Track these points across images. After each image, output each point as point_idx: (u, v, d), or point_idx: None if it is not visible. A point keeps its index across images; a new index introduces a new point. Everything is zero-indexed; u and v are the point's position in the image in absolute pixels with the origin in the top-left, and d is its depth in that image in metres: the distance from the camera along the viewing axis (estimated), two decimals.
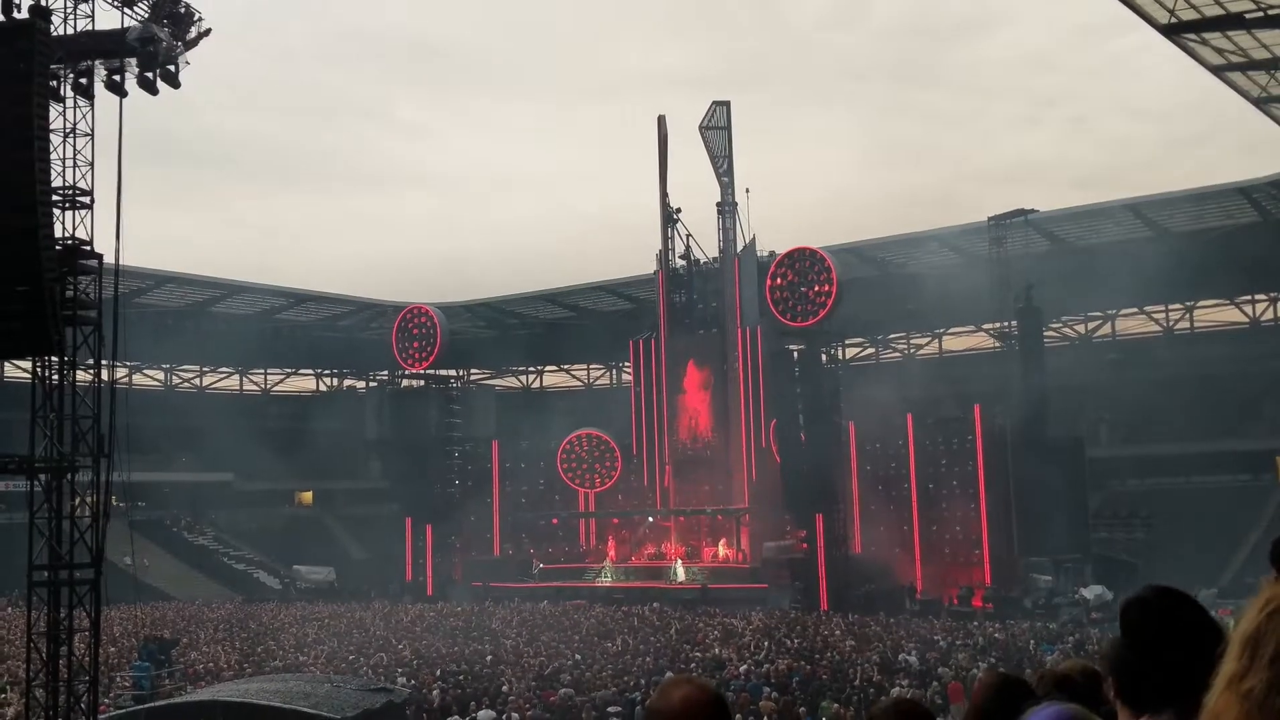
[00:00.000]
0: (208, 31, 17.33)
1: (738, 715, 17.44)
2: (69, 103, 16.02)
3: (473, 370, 77.40)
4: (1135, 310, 60.28)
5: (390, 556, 55.81)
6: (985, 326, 60.95)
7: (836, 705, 18.64)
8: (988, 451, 45.87)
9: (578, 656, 26.91)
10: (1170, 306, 59.32)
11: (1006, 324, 50.50)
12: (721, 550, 49.37)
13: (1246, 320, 58.37)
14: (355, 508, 66.86)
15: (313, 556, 60.33)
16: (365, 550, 63.39)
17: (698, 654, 27.30)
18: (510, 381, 79.38)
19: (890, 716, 3.28)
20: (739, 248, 52.14)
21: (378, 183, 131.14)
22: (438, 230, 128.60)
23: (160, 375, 73.16)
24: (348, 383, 78.63)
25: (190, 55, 17.19)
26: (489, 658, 27.35)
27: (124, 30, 16.56)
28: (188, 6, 17.19)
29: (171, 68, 17.08)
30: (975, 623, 35.50)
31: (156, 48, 16.60)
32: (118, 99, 16.55)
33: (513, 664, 26.05)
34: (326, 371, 77.77)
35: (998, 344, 54.66)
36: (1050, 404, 47.45)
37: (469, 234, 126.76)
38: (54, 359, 15.18)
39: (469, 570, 52.77)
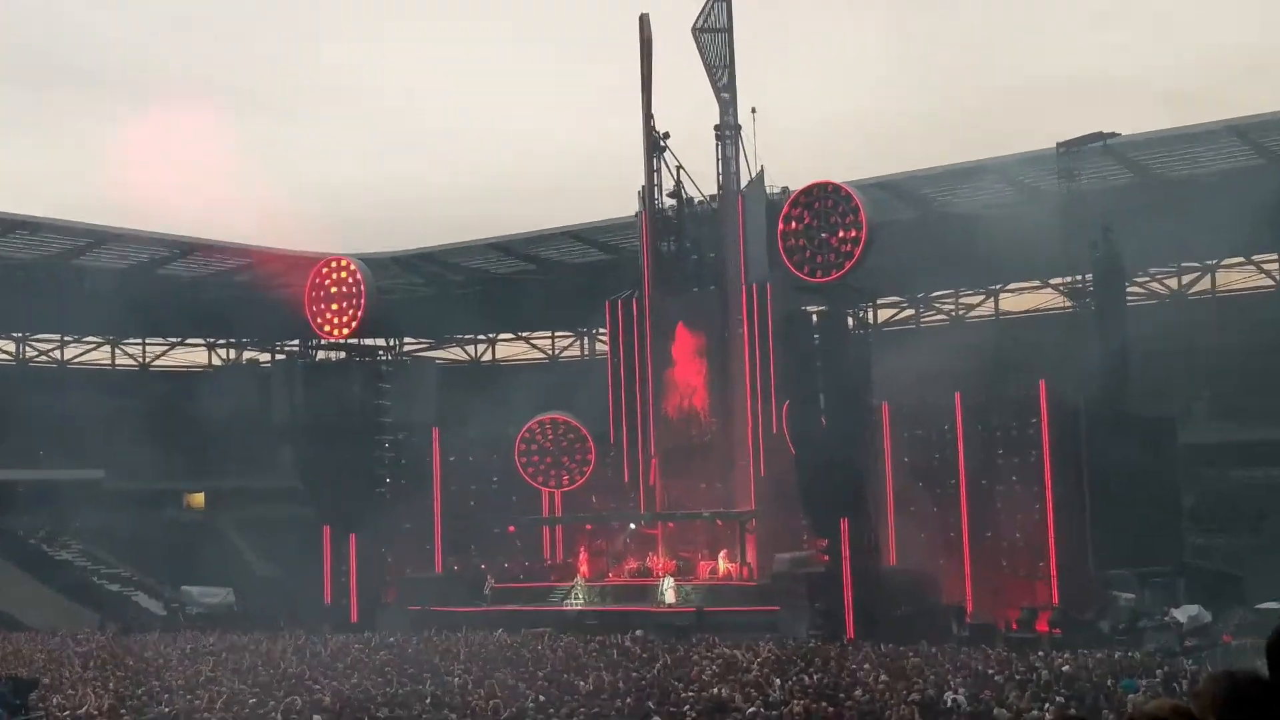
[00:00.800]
0: None
1: None
2: None
3: (407, 339, 77.09)
4: (1241, 260, 60.54)
5: (304, 573, 55.58)
6: (1053, 281, 61.18)
7: None
8: (1055, 438, 46.08)
9: (541, 698, 26.96)
10: None
11: (1079, 278, 50.71)
12: (722, 564, 49.41)
13: None
14: (259, 512, 66.62)
15: (206, 574, 60.18)
16: (273, 566, 63.25)
17: (692, 693, 27.36)
18: (455, 353, 79.28)
19: None
20: (743, 183, 52.03)
21: (288, 104, 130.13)
22: (362, 163, 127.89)
23: (10, 347, 72.67)
24: (249, 355, 78.44)
25: None
26: (429, 700, 27.37)
27: None
28: None
29: None
30: (1039, 652, 35.75)
31: None
32: None
33: (459, 708, 26.08)
34: (222, 341, 77.47)
35: (1068, 303, 54.86)
36: (1134, 377, 47.69)
37: (401, 167, 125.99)
38: None
39: (404, 591, 52.68)
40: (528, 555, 54.79)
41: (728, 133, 52.23)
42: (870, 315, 55.47)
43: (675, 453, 52.65)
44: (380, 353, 57.96)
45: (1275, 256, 60.06)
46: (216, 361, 77.89)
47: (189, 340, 76.92)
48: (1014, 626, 43.10)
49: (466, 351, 79.27)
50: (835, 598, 43.40)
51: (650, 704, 25.76)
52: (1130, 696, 24.92)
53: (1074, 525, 45.99)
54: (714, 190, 53.00)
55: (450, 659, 36.28)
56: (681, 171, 53.46)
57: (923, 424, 49.29)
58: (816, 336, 45.43)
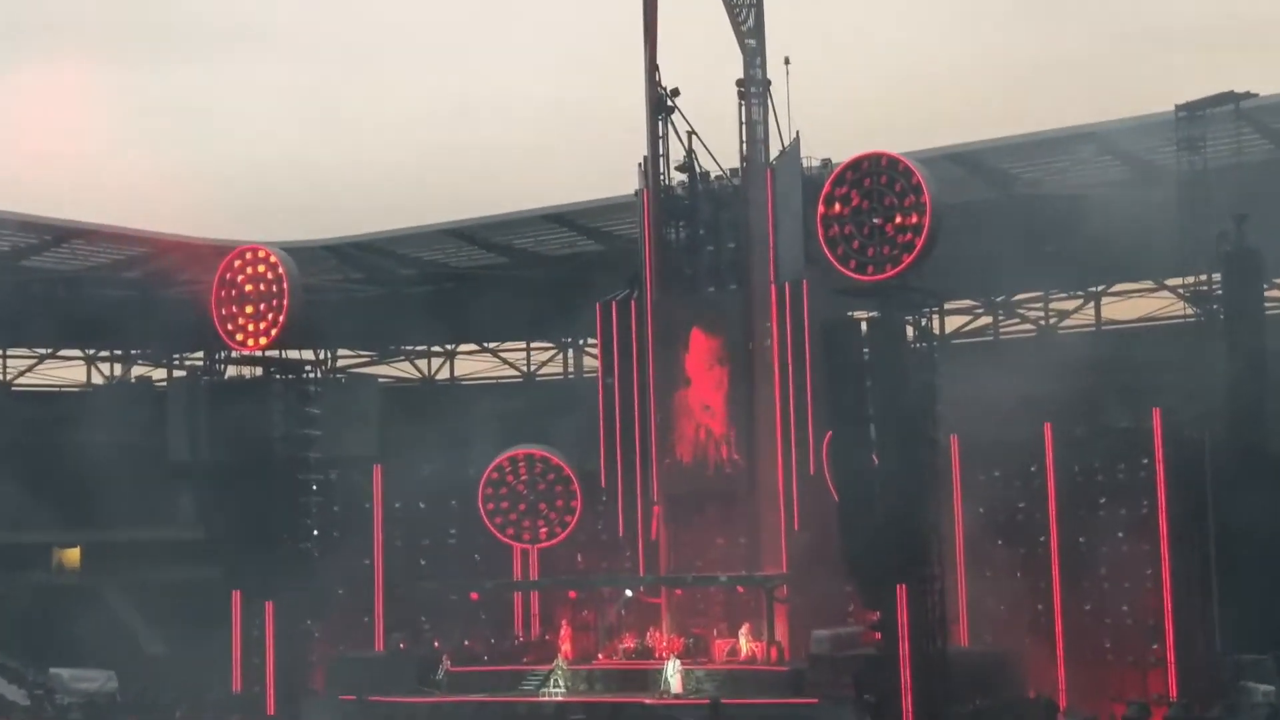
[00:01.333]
0: None
1: None
2: None
3: (342, 351, 76.75)
4: None
5: (207, 652, 55.35)
6: (1170, 282, 60.92)
7: None
8: (1174, 484, 45.94)
9: None
10: None
11: (1204, 278, 50.30)
12: (744, 643, 49.19)
13: None
14: (151, 573, 66.35)
15: (82, 653, 59.87)
16: (167, 642, 63.02)
17: None
18: (402, 369, 79.04)
19: None
20: (773, 153, 51.90)
21: (196, 53, 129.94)
22: (287, 127, 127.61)
23: None
24: (139, 370, 78.16)
25: None
26: None
27: None
28: None
29: None
30: None
31: None
32: None
33: None
34: (104, 353, 77.24)
35: (1190, 310, 54.56)
36: (1275, 407, 47.25)
37: (337, 133, 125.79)
38: None
39: (336, 674, 52.48)
40: (494, 630, 54.50)
41: (754, 89, 52.02)
42: (936, 324, 55.15)
43: (684, 499, 52.50)
44: (308, 369, 57.65)
45: None
46: (97, 380, 77.72)
47: (61, 353, 76.70)
48: None
49: (418, 367, 79.05)
50: (890, 687, 43.01)
51: None
52: None
53: (1197, 597, 45.76)
54: (736, 163, 52.85)
55: None
56: (694, 139, 53.29)
57: (1002, 464, 49.03)
58: (866, 351, 45.24)
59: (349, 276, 69.47)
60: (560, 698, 48.20)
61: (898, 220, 44.75)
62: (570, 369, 76.97)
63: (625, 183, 55.19)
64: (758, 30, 51.87)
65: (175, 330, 68.58)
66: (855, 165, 45.82)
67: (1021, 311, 68.64)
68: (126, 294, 68.64)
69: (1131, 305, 65.99)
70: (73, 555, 70.70)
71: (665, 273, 53.28)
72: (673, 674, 47.19)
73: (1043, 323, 68.12)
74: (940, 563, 44.97)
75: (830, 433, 47.57)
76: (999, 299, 67.69)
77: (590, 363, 72.98)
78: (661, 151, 53.21)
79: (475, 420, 65.06)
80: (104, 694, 57.11)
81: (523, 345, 77.74)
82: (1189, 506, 46.08)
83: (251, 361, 55.25)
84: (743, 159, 52.45)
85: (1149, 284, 64.30)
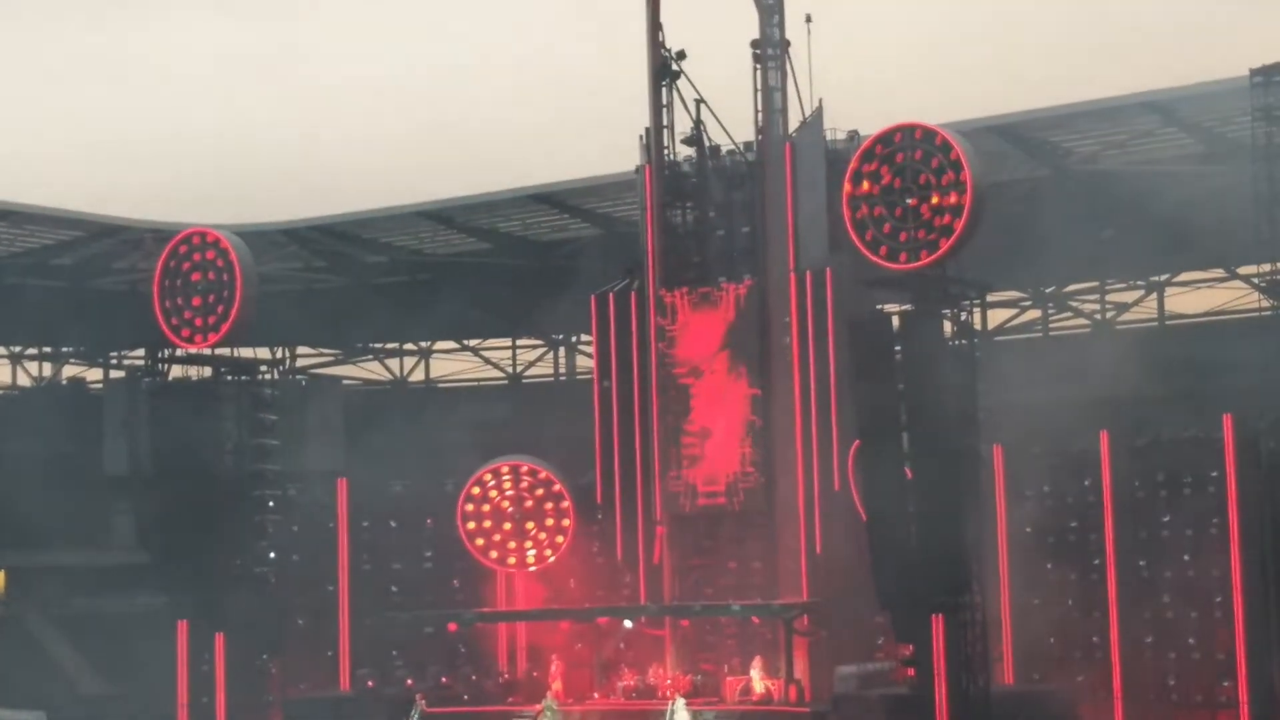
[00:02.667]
0: None
1: None
2: None
3: (302, 349, 76.72)
4: None
5: (149, 691, 55.53)
6: (1243, 271, 61.04)
7: None
8: (1247, 500, 45.95)
9: None
10: None
11: None
12: (758, 681, 49.24)
13: None
14: (85, 603, 66.34)
15: (6, 691, 59.81)
16: (104, 678, 62.94)
17: None
18: (370, 369, 79.07)
19: None
20: (792, 125, 51.99)
21: (129, 9, 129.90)
22: (239, 95, 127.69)
23: None
24: (71, 370, 78.22)
25: None
26: None
27: None
28: None
29: None
30: None
31: None
32: None
33: None
34: (31, 351, 77.38)
35: (1266, 303, 54.69)
36: None
37: (298, 103, 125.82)
38: None
39: (296, 717, 52.81)
40: (476, 666, 54.64)
41: (771, 52, 52.13)
42: (977, 318, 55.21)
43: (692, 518, 52.57)
44: (263, 370, 57.74)
45: None
46: (24, 382, 77.79)
47: None
48: None
49: (388, 368, 79.11)
50: None
51: None
52: None
53: (1273, 628, 45.80)
54: (750, 135, 52.93)
55: None
56: (703, 108, 53.39)
57: (1053, 477, 49.21)
58: (898, 349, 45.28)
59: (310, 264, 69.58)
60: None
61: (934, 201, 44.83)
62: (561, 369, 77.01)
63: (624, 158, 55.39)
64: None
65: (112, 325, 68.79)
66: (886, 138, 45.89)
67: (1074, 304, 68.67)
68: (56, 284, 68.62)
69: (1200, 297, 66.11)
70: None
71: (670, 260, 53.42)
72: (679, 714, 47.42)
73: (1098, 317, 68.08)
74: (982, 590, 45.06)
75: (857, 442, 47.58)
76: (1049, 290, 67.64)
77: (584, 362, 73.02)
78: (665, 123, 53.26)
79: (454, 428, 65.01)
80: None
81: (507, 343, 77.75)
82: (1264, 526, 46.08)
83: (199, 361, 55.12)
84: (758, 131, 52.50)
85: (1219, 273, 64.32)
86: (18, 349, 76.91)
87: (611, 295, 54.15)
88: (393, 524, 56.99)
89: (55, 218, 64.93)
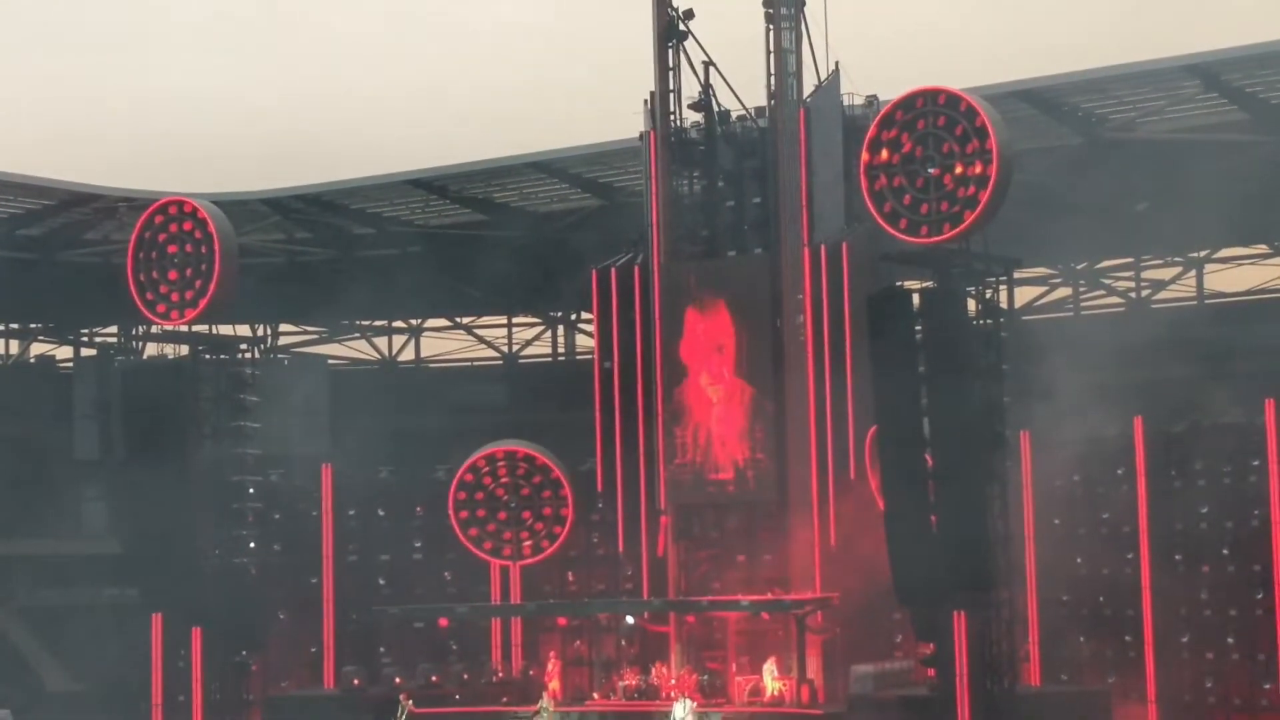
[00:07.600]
0: None
1: None
2: None
3: (285, 326, 76.67)
4: None
5: (123, 688, 55.71)
6: None
7: None
8: None
9: None
10: None
11: None
12: (770, 680, 49.38)
13: None
14: (54, 595, 66.47)
15: None
16: (75, 676, 63.33)
17: None
18: (357, 348, 79.16)
19: None
20: (807, 90, 51.92)
21: None
22: (216, 57, 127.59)
23: None
24: (39, 348, 78.29)
25: None
26: None
27: None
28: None
29: None
30: None
31: None
32: None
33: None
34: None
35: None
36: None
37: (277, 65, 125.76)
38: None
39: (277, 716, 52.90)
40: (468, 664, 54.64)
41: (785, 11, 52.04)
42: (1004, 296, 54.91)
43: (698, 509, 52.69)
44: (243, 347, 57.78)
45: None
46: None
47: None
48: None
49: (375, 347, 79.13)
50: None
51: None
52: None
53: None
54: (762, 100, 52.88)
55: None
56: (712, 71, 53.36)
57: (1084, 466, 49.11)
58: (919, 329, 45.04)
59: (293, 236, 69.55)
60: None
61: (958, 170, 44.74)
62: (560, 349, 77.00)
63: (628, 124, 55.15)
64: None
65: (83, 300, 68.89)
66: (907, 104, 45.81)
67: (1107, 282, 68.67)
68: (23, 256, 68.52)
69: (1241, 275, 66.07)
70: None
71: (676, 233, 53.42)
72: (683, 717, 47.27)
73: (1133, 295, 68.13)
74: (1008, 586, 45.07)
75: (875, 428, 47.55)
76: (1080, 266, 67.68)
77: (584, 342, 72.96)
78: (672, 86, 53.34)
79: (446, 411, 64.96)
80: None
81: (503, 320, 77.66)
82: None
83: (175, 339, 55.14)
84: (770, 96, 52.41)
85: (1262, 248, 64.44)
86: None
87: (614, 270, 54.22)
88: (380, 513, 57.06)
89: (22, 185, 64.71)
